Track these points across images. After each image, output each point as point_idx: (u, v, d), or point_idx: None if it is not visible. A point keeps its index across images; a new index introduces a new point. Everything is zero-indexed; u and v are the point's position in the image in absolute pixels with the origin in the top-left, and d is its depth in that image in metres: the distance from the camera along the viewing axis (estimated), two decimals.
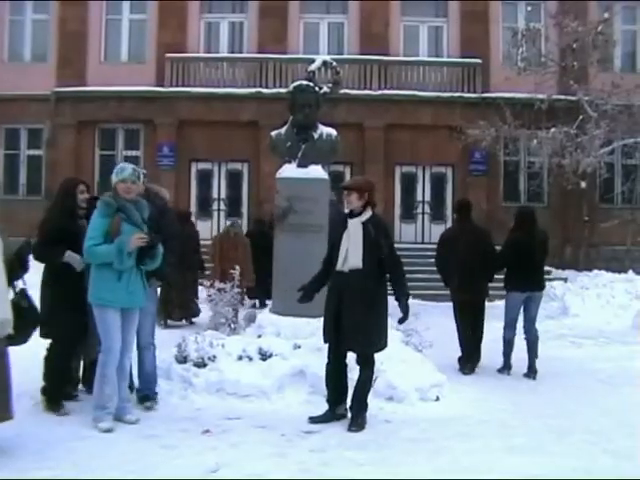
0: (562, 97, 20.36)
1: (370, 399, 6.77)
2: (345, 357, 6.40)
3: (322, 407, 6.52)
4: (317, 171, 7.90)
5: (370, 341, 6.24)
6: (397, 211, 22.36)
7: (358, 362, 6.37)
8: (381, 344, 6.34)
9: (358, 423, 6.19)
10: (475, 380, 8.36)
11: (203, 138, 22.09)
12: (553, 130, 18.59)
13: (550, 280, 18.50)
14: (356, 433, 6.04)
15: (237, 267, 9.38)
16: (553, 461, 5.39)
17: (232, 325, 8.69)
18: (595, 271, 18.28)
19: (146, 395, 6.71)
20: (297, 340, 7.17)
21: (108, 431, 5.87)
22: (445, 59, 22.87)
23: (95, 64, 22.73)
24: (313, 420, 6.32)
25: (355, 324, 6.14)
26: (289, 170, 7.92)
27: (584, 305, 14.78)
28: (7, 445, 5.51)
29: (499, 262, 9.27)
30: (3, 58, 23.11)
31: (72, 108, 22.06)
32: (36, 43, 23.19)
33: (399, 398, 6.81)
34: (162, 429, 6.03)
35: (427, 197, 22.47)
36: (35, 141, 23.04)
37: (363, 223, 6.26)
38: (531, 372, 8.92)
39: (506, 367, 9.13)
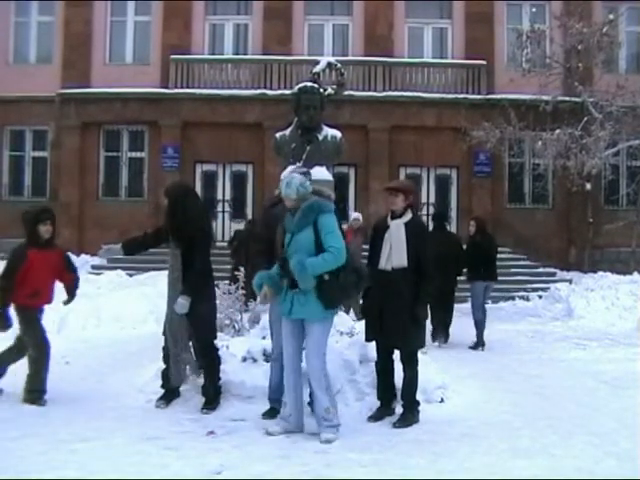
0: (567, 98, 20.39)
1: (374, 401, 6.80)
2: (392, 354, 6.52)
3: None
4: (322, 173, 7.89)
5: (413, 339, 6.38)
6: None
7: (402, 360, 6.46)
8: (421, 342, 6.50)
9: (404, 421, 6.33)
10: (479, 382, 8.35)
11: (207, 140, 22.13)
12: (558, 132, 18.57)
13: (555, 282, 18.55)
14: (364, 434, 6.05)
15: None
16: (557, 463, 5.38)
17: (236, 326, 8.68)
18: (600, 273, 18.28)
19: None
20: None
21: (270, 434, 5.92)
22: (449, 60, 22.89)
23: (100, 65, 22.80)
24: (371, 419, 6.43)
25: (399, 322, 6.26)
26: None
27: (589, 307, 14.77)
28: (12, 446, 5.53)
29: (465, 260, 11.39)
30: (8, 60, 23.18)
31: (77, 109, 22.13)
32: (41, 45, 23.30)
33: None
34: (166, 430, 6.04)
35: (432, 199, 22.44)
36: (40, 142, 23.12)
37: (405, 224, 6.38)
38: (481, 342, 11.33)
39: (479, 344, 11.23)
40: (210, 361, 6.80)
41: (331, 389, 6.07)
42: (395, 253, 6.31)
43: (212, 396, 6.78)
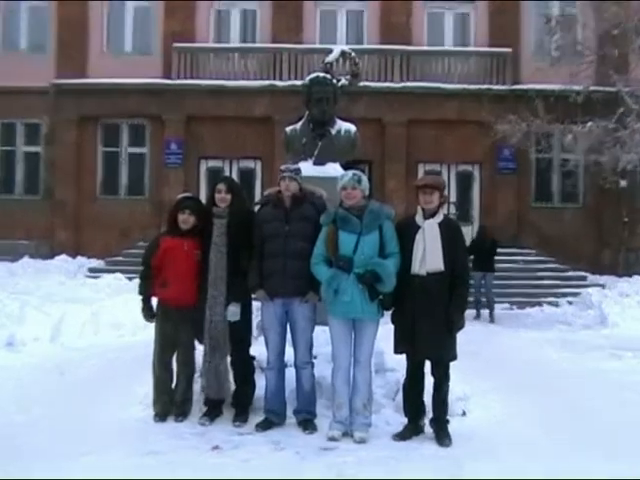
0: (600, 88, 20.23)
1: (391, 413, 6.80)
2: (423, 367, 6.47)
3: None
4: (334, 169, 7.89)
5: (449, 350, 6.33)
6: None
7: (435, 374, 6.41)
8: (455, 352, 6.42)
9: (448, 435, 6.33)
10: (503, 394, 8.30)
11: (213, 134, 22.21)
12: (590, 124, 18.49)
13: (586, 286, 18.48)
14: (364, 451, 6.05)
15: None
16: None
17: None
18: (635, 277, 18.22)
19: (307, 420, 6.61)
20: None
21: (332, 439, 6.24)
22: (472, 49, 22.88)
23: (97, 55, 22.92)
24: (398, 437, 6.37)
25: (434, 332, 6.18)
26: (305, 168, 7.91)
27: (623, 313, 14.71)
28: (18, 443, 5.59)
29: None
30: None
31: (73, 102, 22.22)
32: (33, 32, 23.39)
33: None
34: (168, 444, 6.05)
35: (452, 197, 22.38)
36: (32, 137, 23.23)
37: (439, 224, 6.32)
38: (491, 319, 16.17)
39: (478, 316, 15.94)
40: (248, 369, 6.89)
41: (371, 385, 6.52)
42: (430, 256, 6.17)
43: (246, 407, 6.83)
